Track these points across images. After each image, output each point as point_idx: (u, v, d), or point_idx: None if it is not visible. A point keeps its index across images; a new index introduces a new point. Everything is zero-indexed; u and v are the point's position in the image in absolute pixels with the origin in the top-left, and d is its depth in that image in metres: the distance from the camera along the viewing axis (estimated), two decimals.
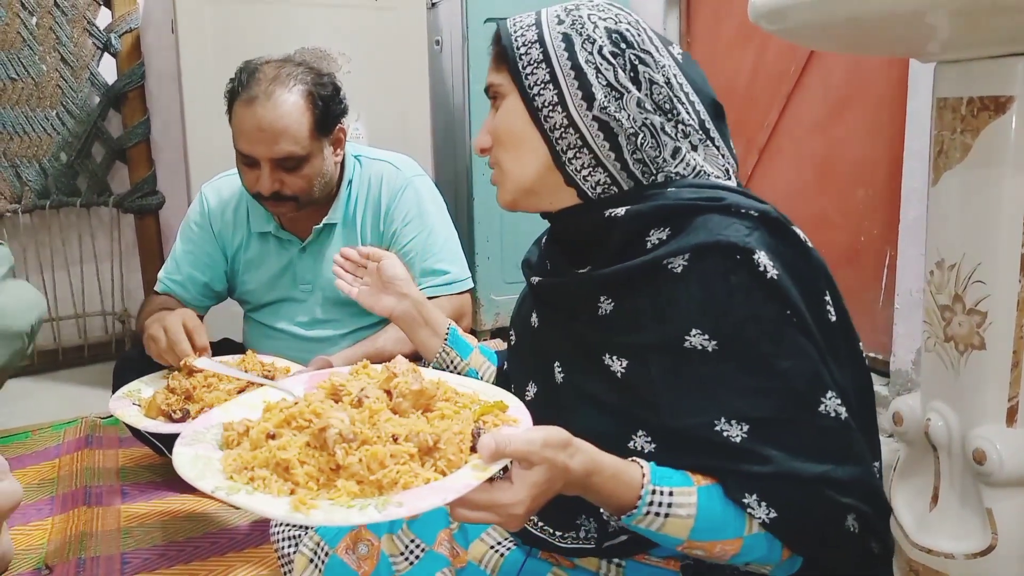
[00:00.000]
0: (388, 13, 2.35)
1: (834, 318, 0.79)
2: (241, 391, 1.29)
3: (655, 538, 0.74)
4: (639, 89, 0.85)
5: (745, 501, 0.72)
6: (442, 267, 1.64)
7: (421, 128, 2.45)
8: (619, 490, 0.71)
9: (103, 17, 2.52)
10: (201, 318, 1.63)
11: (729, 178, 0.89)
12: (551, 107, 0.84)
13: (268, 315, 1.75)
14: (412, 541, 0.93)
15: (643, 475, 0.72)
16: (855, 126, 2.12)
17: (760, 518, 0.72)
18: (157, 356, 1.41)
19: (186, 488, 1.68)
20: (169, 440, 1.64)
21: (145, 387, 1.37)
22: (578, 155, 0.85)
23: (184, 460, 0.71)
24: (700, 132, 0.88)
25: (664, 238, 0.80)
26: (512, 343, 1.05)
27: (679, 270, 0.77)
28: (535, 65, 0.85)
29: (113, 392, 1.68)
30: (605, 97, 0.83)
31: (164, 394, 1.26)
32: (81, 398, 2.34)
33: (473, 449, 0.71)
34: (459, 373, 1.02)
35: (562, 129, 0.84)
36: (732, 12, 2.44)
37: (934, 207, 1.30)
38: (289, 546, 1.04)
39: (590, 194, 0.86)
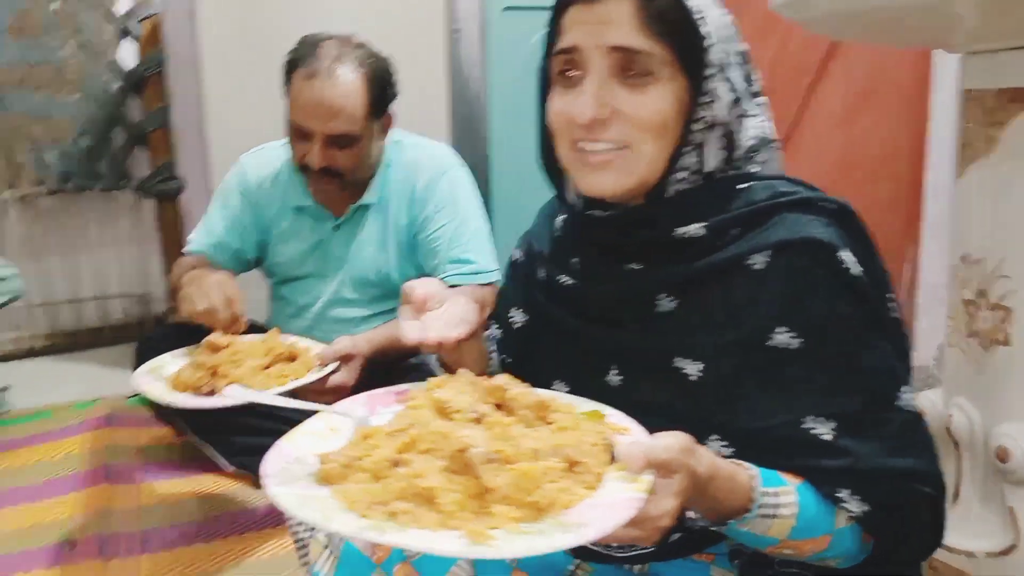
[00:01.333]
0: (408, 1, 2.35)
1: (895, 316, 0.77)
2: (267, 368, 1.30)
3: (752, 541, 0.71)
4: (752, 86, 0.79)
5: (838, 495, 0.71)
6: (469, 256, 1.65)
7: (439, 117, 2.46)
8: (733, 494, 0.68)
9: (123, 3, 2.53)
10: None
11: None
12: (710, 100, 0.74)
13: (294, 290, 1.76)
14: None
15: (752, 477, 0.69)
16: (877, 119, 2.10)
17: (853, 512, 0.71)
18: (189, 316, 1.41)
19: (205, 468, 1.71)
20: (191, 417, 1.68)
21: (169, 363, 1.37)
22: (690, 156, 0.76)
23: (292, 503, 0.60)
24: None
25: (736, 234, 0.75)
26: (519, 331, 0.94)
27: (759, 267, 0.73)
28: (712, 44, 0.74)
29: (135, 370, 1.71)
30: (744, 98, 0.77)
31: (190, 369, 1.27)
32: (102, 378, 2.37)
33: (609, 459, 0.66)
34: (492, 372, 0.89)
35: (704, 128, 0.75)
36: (752, 3, 2.42)
37: (959, 201, 1.29)
38: (304, 530, 1.05)
39: (667, 192, 0.77)
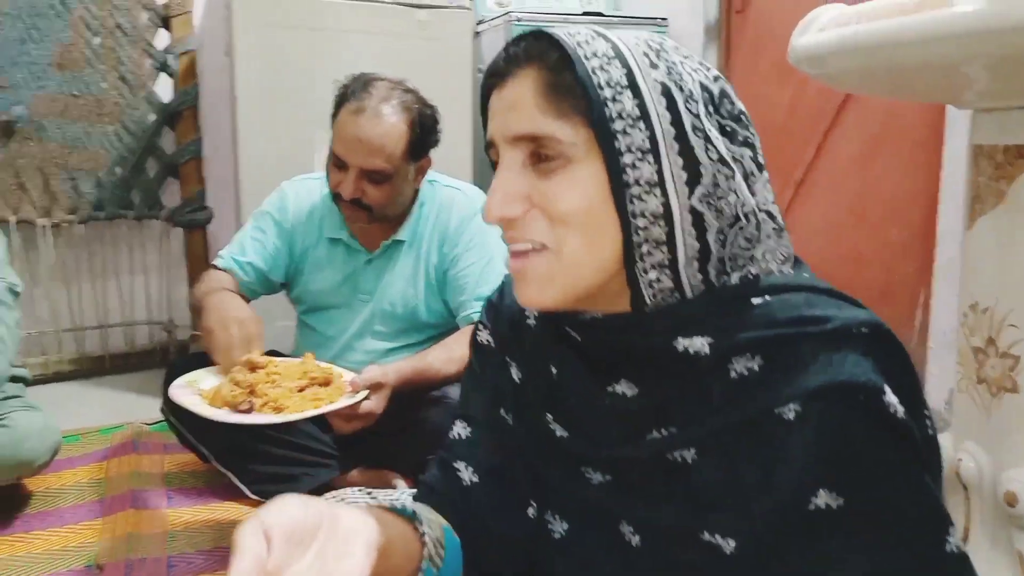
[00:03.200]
0: (435, 42, 2.43)
1: (931, 431, 0.69)
2: (302, 390, 1.35)
3: None
4: (746, 174, 0.67)
5: None
6: None
7: (463, 156, 2.52)
8: None
9: (161, 38, 2.63)
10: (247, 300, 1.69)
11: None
12: (646, 187, 0.63)
13: (321, 320, 1.82)
14: None
15: None
16: (891, 166, 2.14)
17: None
18: (207, 350, 1.47)
19: (229, 495, 1.75)
20: (213, 444, 1.72)
21: (203, 379, 1.41)
22: (653, 252, 0.64)
23: None
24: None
25: (756, 368, 0.64)
26: (511, 431, 0.80)
27: (790, 417, 0.63)
28: (630, 124, 0.63)
29: (164, 396, 1.76)
30: (712, 180, 0.64)
31: (228, 386, 1.32)
32: (127, 404, 2.42)
33: None
34: (441, 544, 0.70)
35: (651, 218, 0.63)
36: (771, 47, 2.48)
37: (969, 251, 1.33)
38: None
39: (647, 299, 0.66)
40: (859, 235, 2.23)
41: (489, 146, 0.69)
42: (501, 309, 0.83)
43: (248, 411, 1.30)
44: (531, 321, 0.78)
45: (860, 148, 2.23)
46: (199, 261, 2.70)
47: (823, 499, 0.62)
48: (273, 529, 0.51)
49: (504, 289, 0.85)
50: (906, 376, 0.66)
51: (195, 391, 1.38)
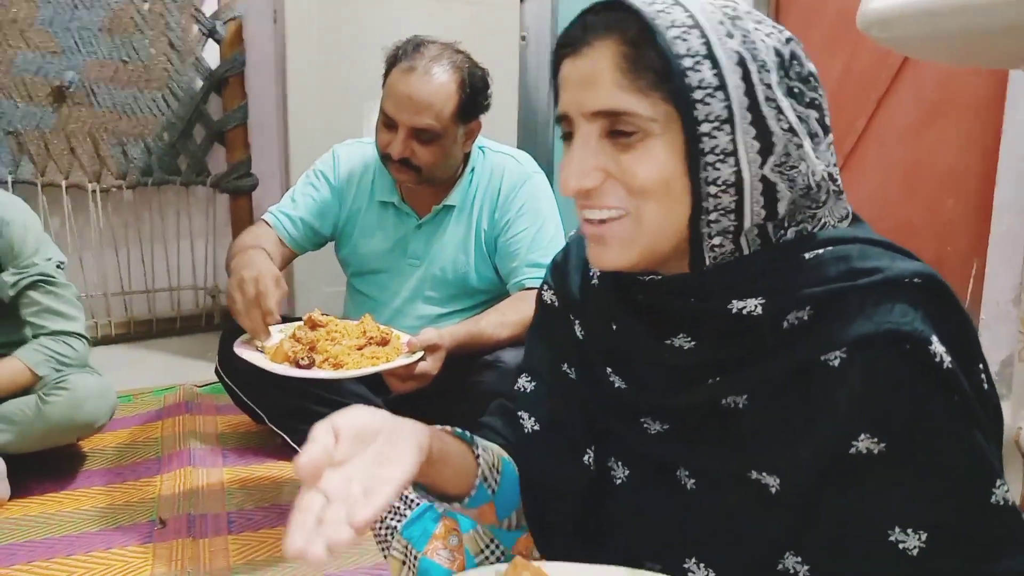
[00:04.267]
0: (483, 8, 2.42)
1: (987, 386, 0.69)
2: (360, 348, 1.38)
3: None
4: (812, 135, 0.68)
5: None
6: (547, 261, 1.70)
7: (508, 122, 2.51)
8: None
9: (209, 5, 2.64)
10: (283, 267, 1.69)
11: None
12: (721, 156, 0.64)
13: (370, 283, 1.83)
14: (492, 540, 0.90)
15: None
16: (947, 135, 2.10)
17: None
18: (233, 313, 1.45)
19: (282, 455, 1.78)
20: (269, 407, 1.75)
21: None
22: (721, 219, 0.66)
23: None
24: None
25: (806, 319, 0.66)
26: (572, 384, 0.84)
27: (836, 364, 0.64)
28: (709, 93, 0.64)
29: (219, 357, 1.79)
30: (784, 150, 0.66)
31: (291, 342, 1.35)
32: (176, 367, 2.47)
33: None
34: (498, 470, 0.78)
35: (723, 187, 0.65)
36: (823, 15, 2.44)
37: None
38: (383, 526, 1.04)
39: (706, 262, 0.68)
40: (912, 206, 2.20)
41: (561, 118, 0.70)
42: (566, 269, 0.85)
43: (309, 366, 1.33)
44: (595, 282, 0.80)
45: (914, 117, 2.19)
46: (244, 227, 2.70)
47: (864, 444, 0.64)
48: (342, 429, 0.61)
49: (569, 250, 0.87)
50: (959, 328, 0.66)
51: (257, 347, 1.40)
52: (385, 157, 1.65)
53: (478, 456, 0.75)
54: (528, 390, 0.87)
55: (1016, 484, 1.35)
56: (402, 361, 1.40)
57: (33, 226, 1.68)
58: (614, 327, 0.76)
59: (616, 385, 0.77)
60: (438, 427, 0.74)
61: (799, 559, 0.68)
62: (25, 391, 1.64)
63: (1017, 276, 1.81)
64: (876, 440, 0.64)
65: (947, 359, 0.63)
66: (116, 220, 2.69)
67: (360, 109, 2.38)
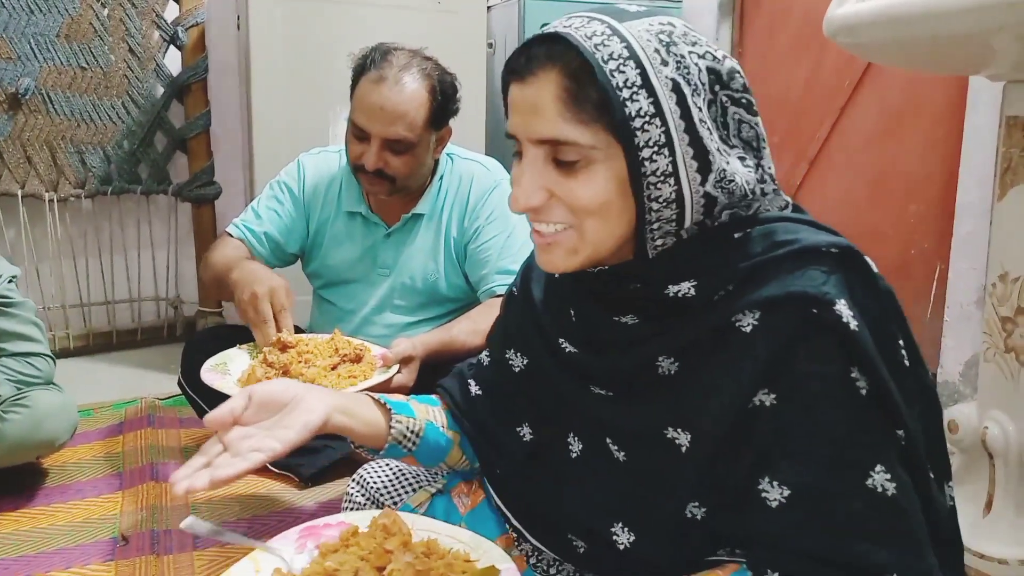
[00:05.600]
0: (450, 16, 2.41)
1: (907, 362, 0.71)
2: (334, 368, 1.34)
3: None
4: (747, 149, 0.74)
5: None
6: (516, 268, 1.69)
7: (476, 129, 2.50)
8: None
9: (171, 10, 2.59)
10: None
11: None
12: (662, 178, 0.69)
13: (339, 294, 1.80)
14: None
15: None
16: (910, 141, 2.14)
17: None
18: (243, 319, 1.45)
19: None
20: None
21: (231, 360, 1.40)
22: (664, 226, 0.72)
23: None
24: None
25: (731, 289, 0.72)
26: (518, 375, 0.94)
27: (748, 329, 0.70)
28: (647, 121, 0.67)
29: (181, 370, 1.75)
30: (720, 168, 0.70)
31: (263, 368, 1.31)
32: (137, 379, 2.41)
33: None
34: (417, 435, 0.91)
35: (665, 204, 0.70)
36: (787, 23, 2.47)
37: (998, 221, 1.33)
38: None
39: (649, 253, 0.74)
40: (876, 211, 2.23)
41: (510, 136, 0.75)
42: (529, 269, 0.96)
43: None
44: (555, 276, 0.90)
45: (877, 124, 2.22)
46: (207, 237, 2.68)
47: (761, 398, 0.69)
48: (255, 395, 0.78)
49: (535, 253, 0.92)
50: (874, 300, 0.70)
51: (224, 372, 1.37)
52: (357, 168, 1.63)
53: (391, 426, 0.89)
54: (481, 362, 1.00)
55: (982, 483, 1.37)
56: (379, 378, 1.37)
57: None
58: (572, 311, 0.85)
59: (567, 350, 0.85)
60: (365, 394, 0.91)
61: (702, 508, 0.75)
62: None
63: (980, 278, 1.84)
64: (772, 395, 0.69)
65: (853, 322, 0.67)
66: (74, 230, 2.62)
67: (326, 116, 2.36)
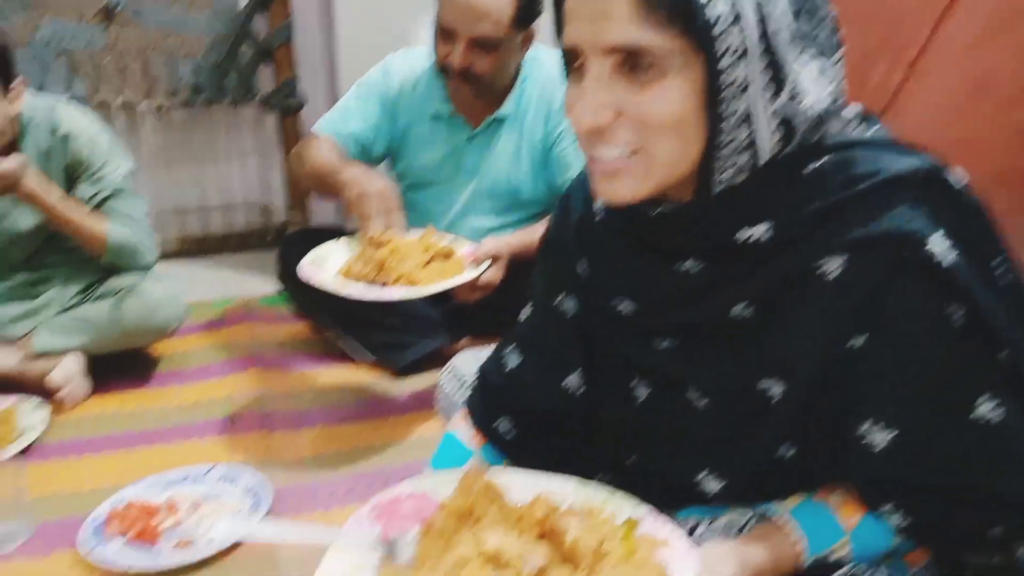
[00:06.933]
0: None
1: (1005, 279, 0.69)
2: (428, 263, 1.40)
3: None
4: (822, 58, 0.65)
5: (883, 510, 0.70)
6: None
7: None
8: (779, 572, 0.72)
9: None
10: None
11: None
12: (737, 92, 0.62)
13: (425, 196, 1.84)
14: None
15: (799, 554, 0.71)
16: (1017, 44, 2.03)
17: (897, 525, 0.71)
18: (350, 217, 1.51)
19: (343, 361, 1.84)
20: (333, 316, 1.80)
21: (328, 256, 1.45)
22: (734, 156, 0.65)
23: None
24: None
25: (809, 231, 0.67)
26: (574, 320, 0.86)
27: (836, 273, 0.66)
28: (727, 27, 0.60)
29: (281, 267, 1.84)
30: (793, 84, 0.63)
31: (360, 263, 1.37)
32: (232, 282, 2.52)
33: None
34: None
35: (737, 121, 0.63)
36: None
37: None
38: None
39: (714, 188, 0.67)
40: (978, 118, 2.13)
41: (568, 51, 0.67)
42: (571, 204, 0.85)
43: (384, 287, 1.35)
44: (599, 217, 0.81)
45: (984, 25, 2.11)
46: (293, 145, 2.73)
47: (855, 342, 0.67)
48: None
49: (574, 186, 0.86)
50: (968, 222, 0.66)
51: (322, 267, 1.42)
52: (444, 69, 1.64)
53: None
54: (525, 319, 0.92)
55: None
56: (470, 274, 1.42)
57: (98, 137, 1.70)
58: (622, 259, 0.78)
59: (624, 312, 0.78)
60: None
61: (793, 449, 0.73)
62: (90, 273, 1.72)
63: None
64: (865, 337, 0.67)
65: (949, 257, 0.64)
66: (168, 139, 2.72)
67: (409, 18, 2.35)
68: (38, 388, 1.62)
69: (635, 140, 0.64)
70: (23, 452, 1.43)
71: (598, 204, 0.81)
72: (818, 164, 0.67)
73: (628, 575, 0.65)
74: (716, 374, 0.74)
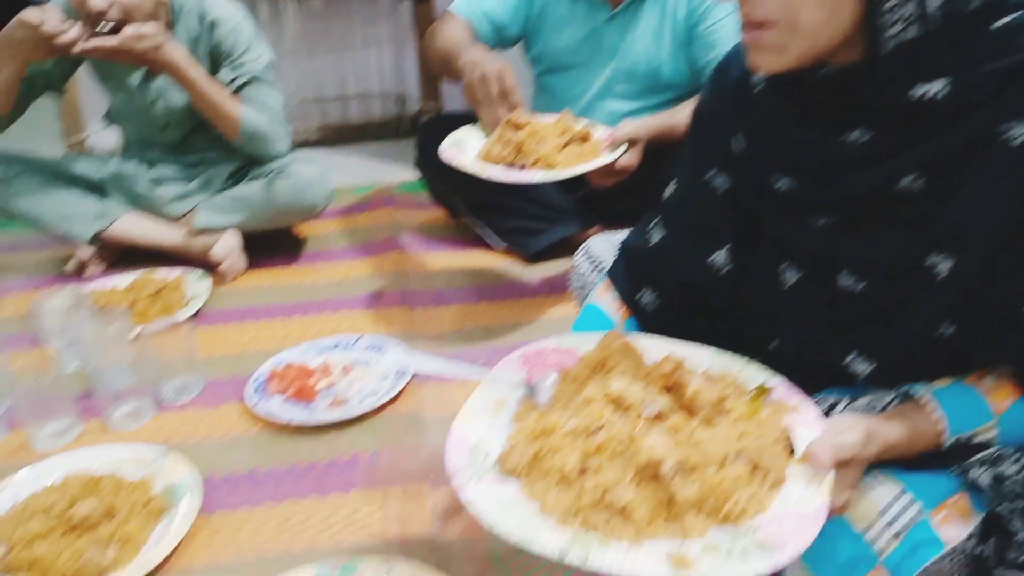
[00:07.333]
0: None
1: None
2: (565, 147, 1.39)
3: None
4: None
5: None
6: None
7: None
8: (913, 451, 0.69)
9: None
10: None
11: None
12: None
13: (561, 80, 1.82)
14: None
15: (940, 433, 0.68)
16: None
17: None
18: (469, 100, 1.50)
19: (479, 245, 1.89)
20: (468, 201, 1.85)
21: (466, 139, 1.47)
22: (902, 8, 0.62)
23: (493, 512, 0.62)
24: None
25: (991, 93, 0.63)
26: (723, 197, 0.83)
27: (1019, 142, 0.61)
28: None
29: (419, 153, 1.88)
30: None
31: (499, 146, 1.38)
32: (370, 169, 2.61)
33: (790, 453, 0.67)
34: None
35: None
36: None
37: None
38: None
39: (885, 47, 0.63)
40: None
41: None
42: (727, 77, 0.82)
43: (523, 169, 1.36)
44: (759, 88, 0.77)
45: None
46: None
47: None
48: None
49: (731, 57, 0.83)
50: None
51: (462, 149, 1.43)
52: None
53: None
54: (670, 195, 0.90)
55: None
56: (609, 158, 1.40)
57: (243, 25, 1.75)
58: (782, 132, 0.74)
59: (783, 189, 0.75)
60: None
61: (954, 328, 0.69)
62: (237, 159, 1.82)
63: None
64: None
65: None
66: (308, 27, 2.79)
67: None
68: (201, 261, 1.76)
69: (778, 9, 0.63)
70: (192, 317, 1.57)
71: (758, 75, 0.77)
72: (1008, 20, 0.62)
73: (746, 430, 0.67)
74: (877, 251, 0.71)
